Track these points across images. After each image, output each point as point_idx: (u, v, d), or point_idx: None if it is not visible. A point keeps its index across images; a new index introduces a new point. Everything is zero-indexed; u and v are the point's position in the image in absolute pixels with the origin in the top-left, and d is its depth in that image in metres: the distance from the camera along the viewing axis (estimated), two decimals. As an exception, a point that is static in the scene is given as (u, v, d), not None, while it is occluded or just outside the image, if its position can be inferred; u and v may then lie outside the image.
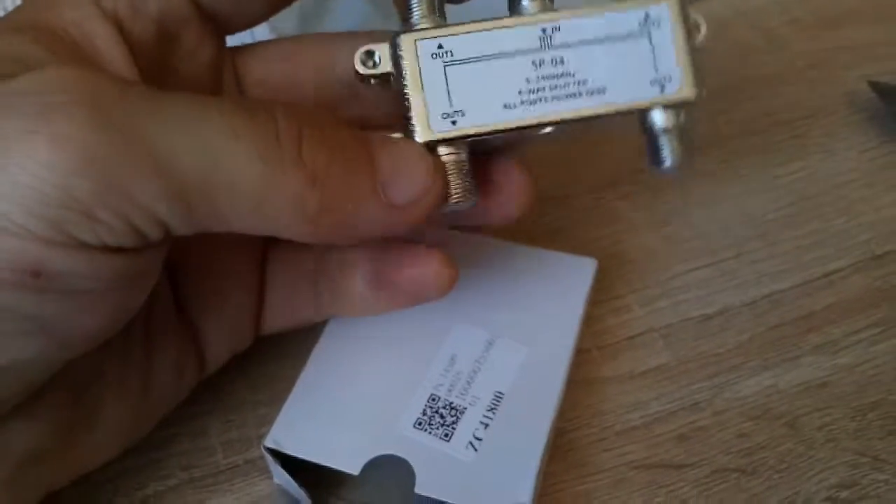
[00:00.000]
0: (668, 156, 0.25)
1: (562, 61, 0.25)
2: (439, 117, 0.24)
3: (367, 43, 0.25)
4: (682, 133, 0.25)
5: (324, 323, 0.31)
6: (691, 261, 0.36)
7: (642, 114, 0.25)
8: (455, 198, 0.25)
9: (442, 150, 0.25)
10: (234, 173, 0.21)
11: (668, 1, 0.25)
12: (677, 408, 0.31)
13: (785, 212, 0.37)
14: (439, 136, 0.24)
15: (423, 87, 0.24)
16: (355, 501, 0.29)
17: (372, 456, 0.27)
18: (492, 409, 0.28)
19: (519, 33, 0.25)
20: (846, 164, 0.39)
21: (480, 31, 0.25)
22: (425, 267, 0.27)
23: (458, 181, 0.25)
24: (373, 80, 0.25)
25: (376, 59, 0.25)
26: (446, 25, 0.25)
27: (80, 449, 0.26)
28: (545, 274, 0.32)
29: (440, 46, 0.24)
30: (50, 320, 0.21)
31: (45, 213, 0.19)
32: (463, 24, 0.25)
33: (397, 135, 0.25)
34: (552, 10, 0.25)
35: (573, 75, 0.25)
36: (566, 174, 0.39)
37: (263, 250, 0.30)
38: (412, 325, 0.31)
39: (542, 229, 0.37)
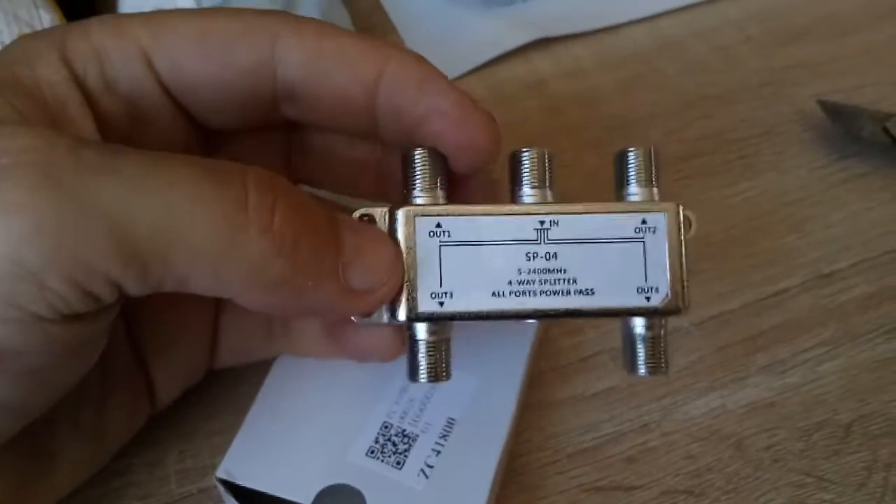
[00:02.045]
0: (642, 364, 0.26)
1: (555, 256, 0.25)
2: (428, 296, 0.24)
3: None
4: (662, 342, 0.26)
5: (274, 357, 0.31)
6: (643, 282, 0.36)
7: (624, 318, 0.26)
8: (429, 376, 0.25)
9: (423, 327, 0.25)
10: (195, 234, 0.20)
11: (668, 210, 0.25)
12: (627, 429, 0.32)
13: (734, 231, 0.38)
14: (424, 314, 0.24)
15: (415, 263, 0.24)
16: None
17: (324, 485, 0.27)
18: (444, 435, 0.29)
19: (517, 223, 0.25)
20: (796, 182, 0.40)
21: (480, 214, 0.25)
22: (374, 336, 0.28)
23: (433, 361, 0.25)
24: None
25: (375, 220, 0.25)
26: (445, 204, 0.25)
27: (39, 493, 0.26)
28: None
29: (438, 225, 0.25)
30: (6, 399, 0.21)
31: None
32: (463, 205, 0.25)
33: (360, 212, 0.25)
34: (552, 202, 0.25)
35: (564, 272, 0.25)
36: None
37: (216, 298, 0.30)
38: None
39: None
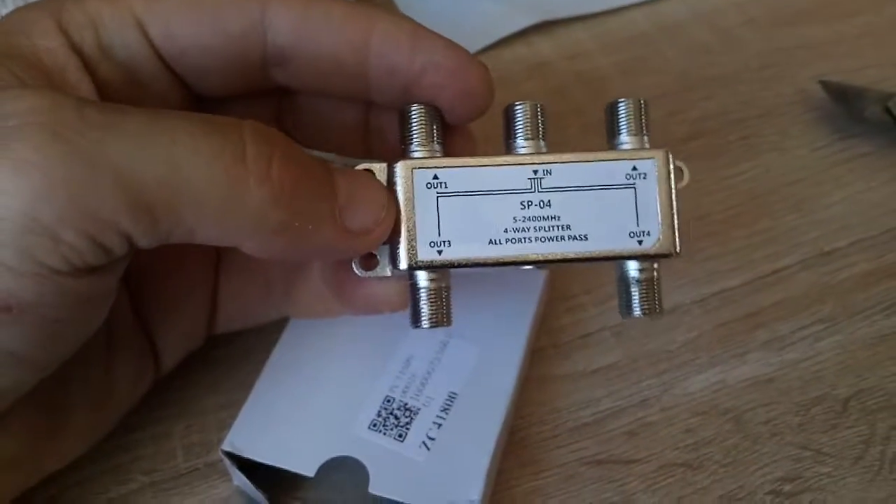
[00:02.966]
0: (637, 307, 0.26)
1: (549, 204, 0.25)
2: (427, 245, 0.25)
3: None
4: (655, 284, 0.26)
5: (282, 327, 0.31)
6: (644, 260, 0.36)
7: (618, 262, 0.26)
8: (431, 322, 0.26)
9: (424, 275, 0.26)
10: (199, 186, 0.21)
11: (657, 156, 0.26)
12: (627, 404, 0.32)
13: (736, 210, 0.38)
14: (424, 262, 0.25)
15: (415, 214, 0.25)
16: (312, 502, 0.30)
17: (327, 458, 0.28)
18: (445, 409, 0.29)
19: (511, 173, 0.25)
20: (797, 162, 0.40)
21: (475, 166, 0.25)
22: (380, 285, 0.28)
23: (434, 307, 0.26)
24: None
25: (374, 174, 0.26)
26: (442, 157, 0.26)
27: (49, 453, 0.27)
28: (499, 278, 0.32)
29: (435, 177, 0.25)
30: (23, 352, 0.22)
31: (12, 242, 0.20)
32: (459, 157, 0.26)
33: (362, 165, 0.26)
34: (545, 152, 0.26)
35: (558, 219, 0.25)
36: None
37: (217, 253, 0.31)
38: (368, 329, 0.31)
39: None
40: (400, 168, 0.25)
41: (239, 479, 0.29)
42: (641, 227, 0.26)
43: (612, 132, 0.26)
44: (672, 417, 0.32)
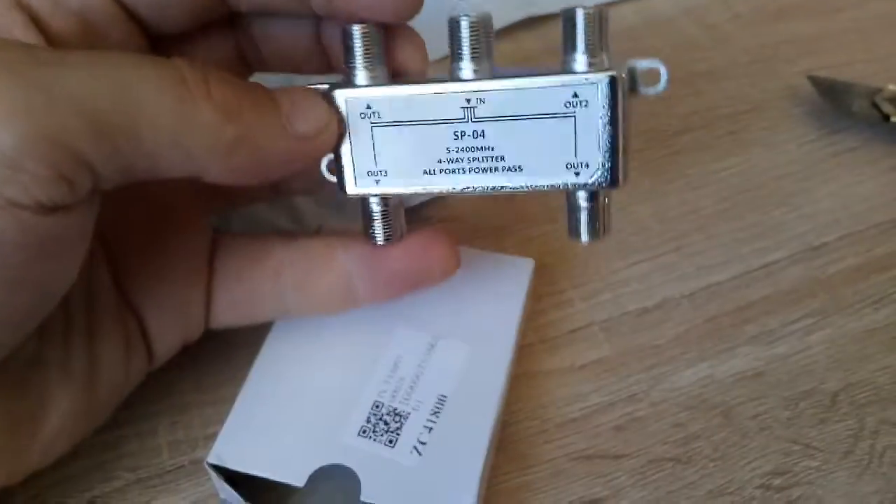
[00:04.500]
0: (583, 232, 0.26)
1: (482, 134, 0.25)
2: (365, 174, 0.26)
3: None
4: (601, 211, 0.26)
5: (267, 331, 0.31)
6: (632, 255, 0.36)
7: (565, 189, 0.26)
8: (385, 239, 0.27)
9: (374, 199, 0.27)
10: (153, 110, 0.22)
11: (600, 82, 0.24)
12: (616, 399, 0.32)
13: (724, 205, 0.38)
14: (362, 191, 0.26)
15: (350, 143, 0.26)
16: (301, 510, 0.30)
17: (317, 466, 0.27)
18: (435, 412, 0.29)
19: (444, 102, 0.25)
20: (785, 157, 0.40)
21: (408, 94, 0.25)
22: (430, 254, 0.29)
23: (386, 225, 0.27)
24: None
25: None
26: (375, 86, 0.25)
27: (31, 444, 0.26)
28: (484, 275, 0.32)
29: (368, 107, 0.25)
30: None
31: None
32: (390, 86, 0.25)
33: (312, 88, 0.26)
34: (481, 78, 0.25)
35: (492, 150, 0.25)
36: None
37: (212, 242, 0.30)
38: (354, 333, 0.31)
39: (486, 226, 0.37)
40: (336, 97, 0.25)
41: (226, 492, 0.28)
42: (580, 159, 0.25)
43: (566, 47, 0.24)
44: (661, 412, 0.32)
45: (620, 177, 0.25)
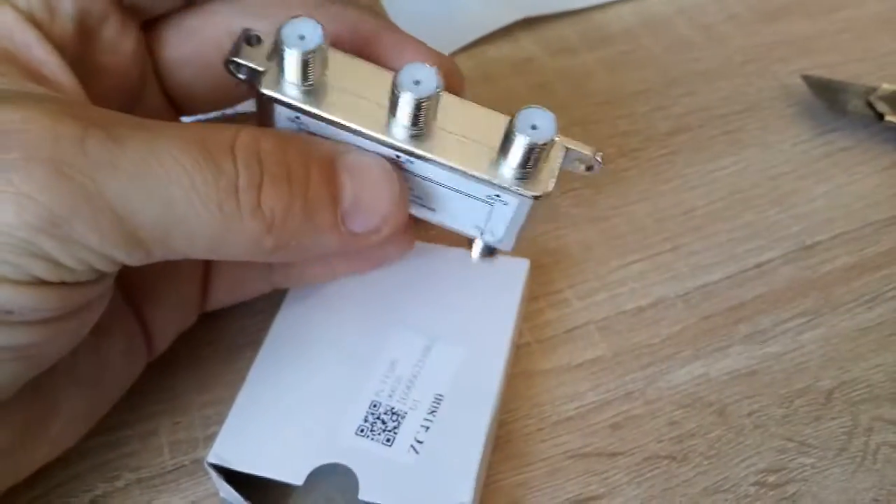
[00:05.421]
0: (474, 252, 0.28)
1: (406, 177, 0.26)
2: None
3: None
4: (493, 249, 0.28)
5: (267, 327, 0.31)
6: (628, 254, 0.37)
7: None
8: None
9: None
10: (193, 224, 0.22)
11: (524, 197, 0.25)
12: (612, 398, 0.32)
13: (719, 204, 0.38)
14: None
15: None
16: (301, 508, 0.30)
17: (315, 466, 0.28)
18: (432, 411, 0.29)
19: (377, 147, 0.25)
20: (779, 156, 0.40)
21: (335, 125, 0.24)
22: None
23: None
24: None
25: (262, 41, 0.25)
26: (312, 101, 0.24)
27: (40, 442, 0.27)
28: (479, 276, 0.33)
29: (298, 118, 0.25)
30: (24, 348, 0.22)
31: (12, 261, 0.20)
32: (321, 110, 0.24)
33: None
34: (418, 139, 0.24)
35: (412, 190, 0.26)
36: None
37: None
38: (351, 334, 0.31)
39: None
40: (265, 95, 0.24)
41: (225, 491, 0.28)
42: (487, 227, 0.27)
43: (503, 145, 0.24)
44: (656, 410, 0.32)
45: (514, 246, 0.27)
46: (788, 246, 0.37)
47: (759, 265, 0.36)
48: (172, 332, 0.31)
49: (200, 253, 0.22)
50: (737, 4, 0.46)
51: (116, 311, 0.28)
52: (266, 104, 0.25)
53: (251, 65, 0.24)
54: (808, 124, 0.41)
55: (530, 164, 0.24)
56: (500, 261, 0.33)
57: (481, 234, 0.27)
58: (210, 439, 0.29)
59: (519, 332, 0.33)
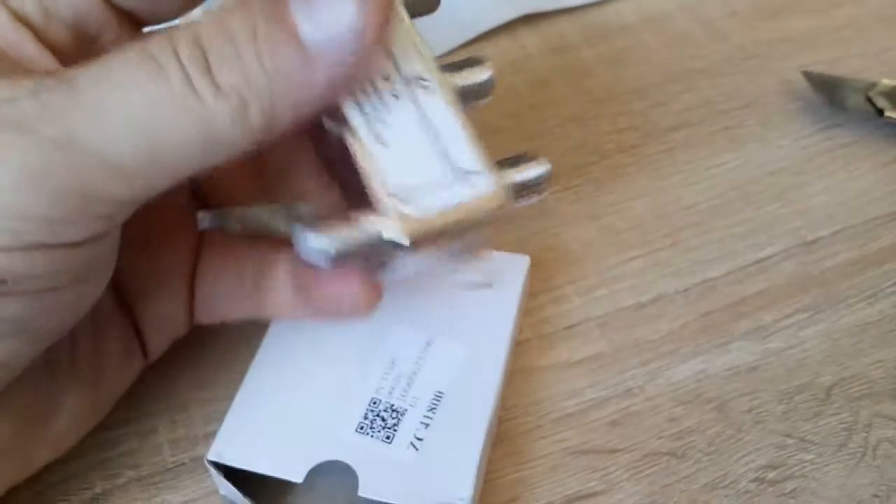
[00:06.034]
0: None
1: None
2: None
3: None
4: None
5: (265, 328, 0.31)
6: (628, 251, 0.37)
7: None
8: None
9: None
10: (169, 134, 0.20)
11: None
12: (611, 394, 0.32)
13: (719, 200, 0.38)
14: None
15: None
16: (301, 506, 0.30)
17: (315, 463, 0.28)
18: (432, 408, 0.29)
19: None
20: (780, 152, 0.40)
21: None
22: (344, 287, 0.27)
23: None
24: None
25: None
26: None
27: (41, 442, 0.27)
28: (480, 273, 0.33)
29: None
30: (23, 320, 0.22)
31: (1, 225, 0.20)
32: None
33: None
34: None
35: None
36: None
37: (197, 245, 0.30)
38: (351, 331, 0.31)
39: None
40: None
41: (225, 488, 0.28)
42: None
43: None
44: (656, 407, 0.32)
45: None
46: (789, 242, 0.37)
47: (759, 261, 0.36)
48: (165, 338, 0.30)
49: (197, 161, 0.21)
50: (738, 2, 0.46)
51: (112, 313, 0.28)
52: None
53: None
54: (808, 120, 0.41)
55: None
56: (500, 257, 0.33)
57: None
58: (210, 437, 0.29)
59: (519, 328, 0.33)
